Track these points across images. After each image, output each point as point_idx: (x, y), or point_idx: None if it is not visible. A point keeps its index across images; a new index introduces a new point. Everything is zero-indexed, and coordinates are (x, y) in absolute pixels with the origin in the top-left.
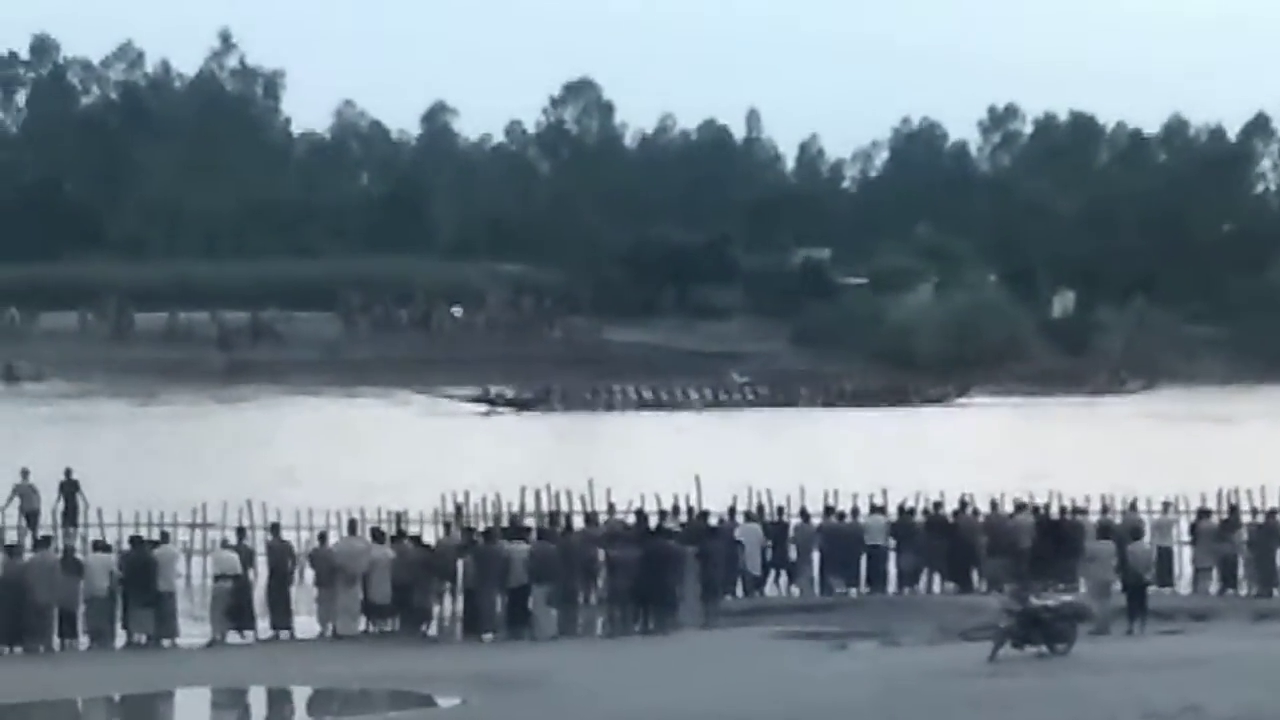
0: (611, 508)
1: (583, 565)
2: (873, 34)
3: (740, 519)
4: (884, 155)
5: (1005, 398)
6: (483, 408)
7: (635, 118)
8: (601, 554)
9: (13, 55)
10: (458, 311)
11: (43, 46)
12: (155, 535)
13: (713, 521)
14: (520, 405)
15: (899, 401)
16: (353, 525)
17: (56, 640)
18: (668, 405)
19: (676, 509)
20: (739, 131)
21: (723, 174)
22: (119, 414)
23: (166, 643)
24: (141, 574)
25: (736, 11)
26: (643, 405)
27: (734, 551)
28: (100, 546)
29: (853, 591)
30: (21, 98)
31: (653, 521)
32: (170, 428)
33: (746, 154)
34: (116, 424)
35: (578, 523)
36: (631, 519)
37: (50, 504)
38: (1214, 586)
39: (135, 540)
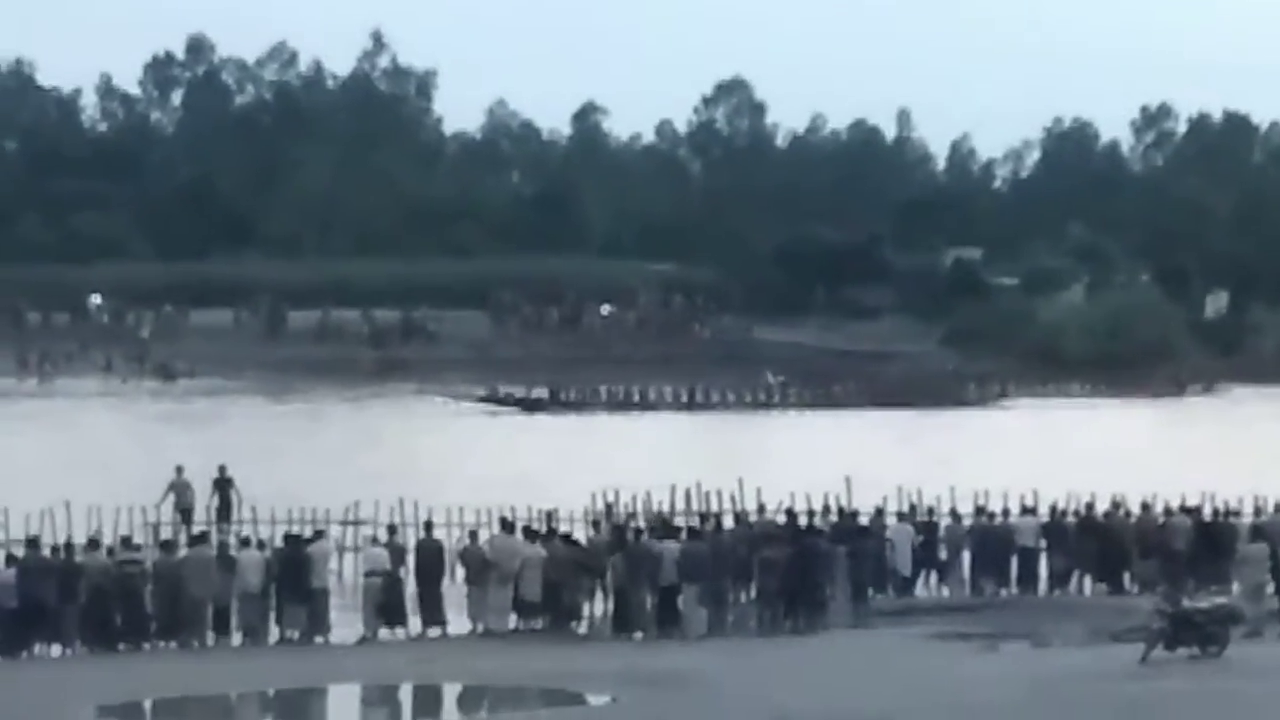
0: (762, 507)
1: (733, 565)
2: (1024, 33)
3: (891, 519)
4: (1035, 155)
5: (1049, 398)
6: (490, 407)
7: (786, 117)
8: (751, 553)
9: (169, 55)
10: (607, 310)
11: (198, 46)
12: (308, 532)
13: (863, 521)
14: (530, 405)
15: (953, 403)
16: (504, 523)
17: (210, 636)
18: (698, 406)
19: (827, 509)
20: (890, 131)
21: (874, 173)
22: (270, 411)
23: (319, 639)
24: (295, 570)
25: (887, 11)
26: (680, 406)
27: (884, 551)
28: (253, 543)
29: (1003, 592)
30: (177, 97)
31: (803, 521)
32: (321, 425)
33: (897, 153)
34: (267, 420)
35: (728, 522)
36: (782, 518)
37: (204, 500)
38: None
39: (289, 537)
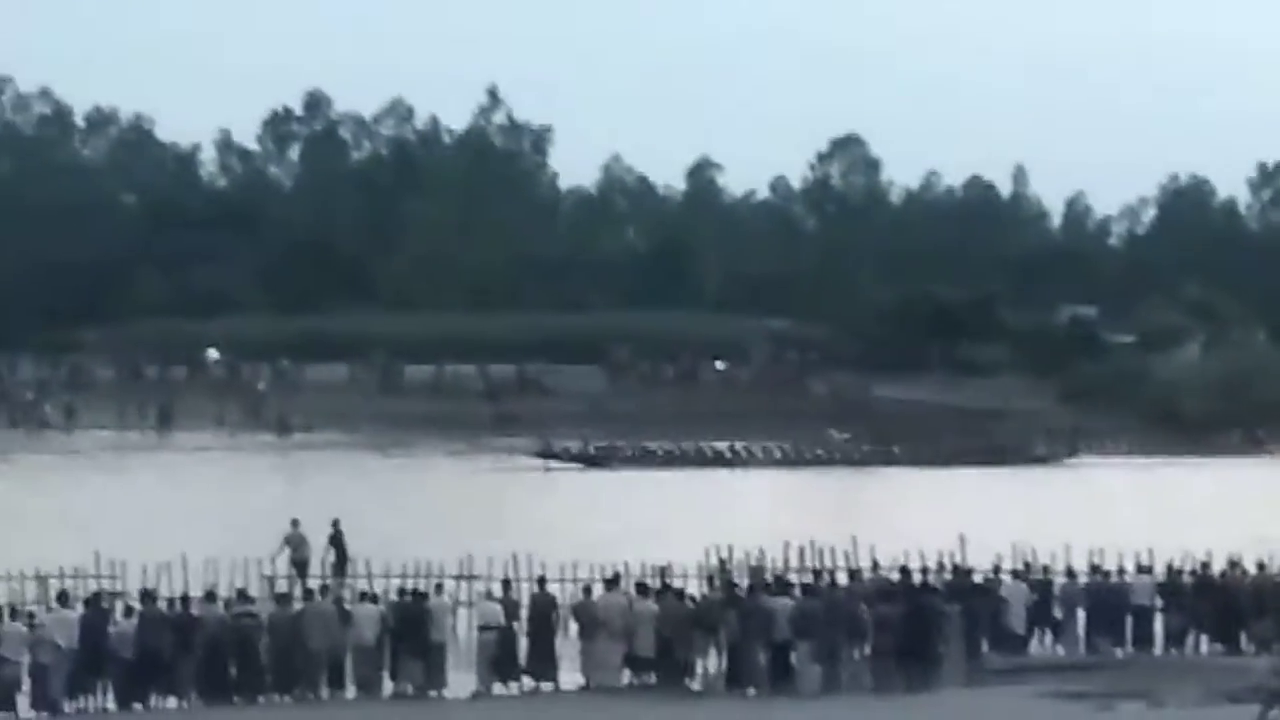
0: (875, 564)
1: (846, 621)
2: (1140, 90)
3: (1006, 576)
4: (1151, 212)
5: (1165, 456)
6: (546, 463)
7: (901, 174)
8: (865, 610)
9: (287, 111)
10: (721, 366)
11: (315, 102)
12: (423, 586)
13: (977, 578)
14: (587, 461)
15: (997, 462)
16: (616, 579)
17: (325, 689)
18: (742, 462)
19: (941, 565)
20: (1005, 188)
21: (989, 231)
22: (383, 465)
23: (434, 693)
24: (412, 624)
25: (1002, 68)
26: (722, 462)
27: (999, 609)
28: (367, 597)
29: (1119, 651)
30: (295, 152)
31: (917, 578)
32: (430, 478)
33: (1013, 210)
34: (382, 475)
35: (841, 579)
36: (896, 575)
37: (319, 554)
38: None
39: (405, 591)
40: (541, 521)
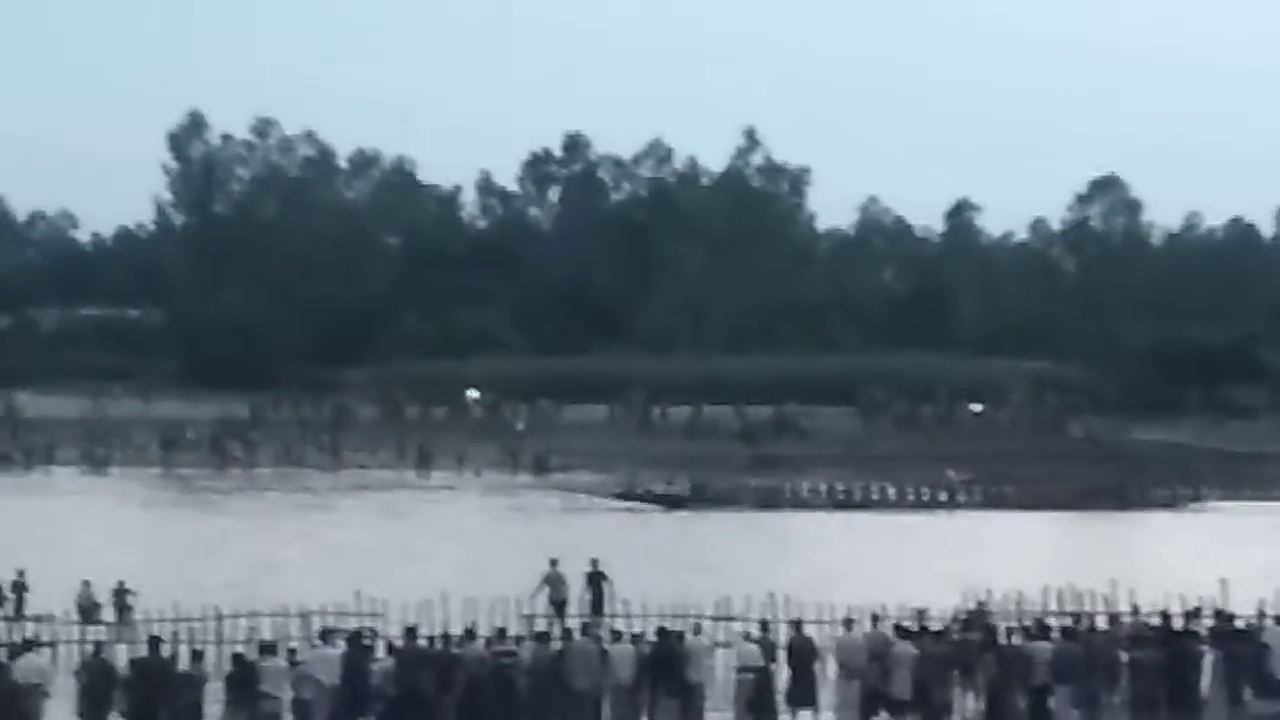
0: (1135, 609)
1: (1105, 666)
2: None
3: (1270, 621)
4: None
5: (1263, 503)
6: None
7: (1162, 215)
8: (1124, 655)
9: (547, 153)
10: (978, 408)
11: (575, 144)
12: (680, 626)
13: (1240, 624)
14: (671, 503)
15: (1119, 506)
16: (875, 619)
17: None
18: (871, 504)
19: (1199, 610)
20: (1267, 229)
21: (1250, 272)
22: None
23: None
24: (670, 664)
25: (1263, 107)
26: (839, 504)
27: (1261, 654)
28: (624, 637)
29: None
30: (554, 194)
31: (1177, 623)
32: (690, 522)
33: (1274, 252)
34: (640, 516)
35: (1100, 623)
36: (1155, 620)
37: (577, 593)
38: None
39: (663, 631)
40: (793, 563)
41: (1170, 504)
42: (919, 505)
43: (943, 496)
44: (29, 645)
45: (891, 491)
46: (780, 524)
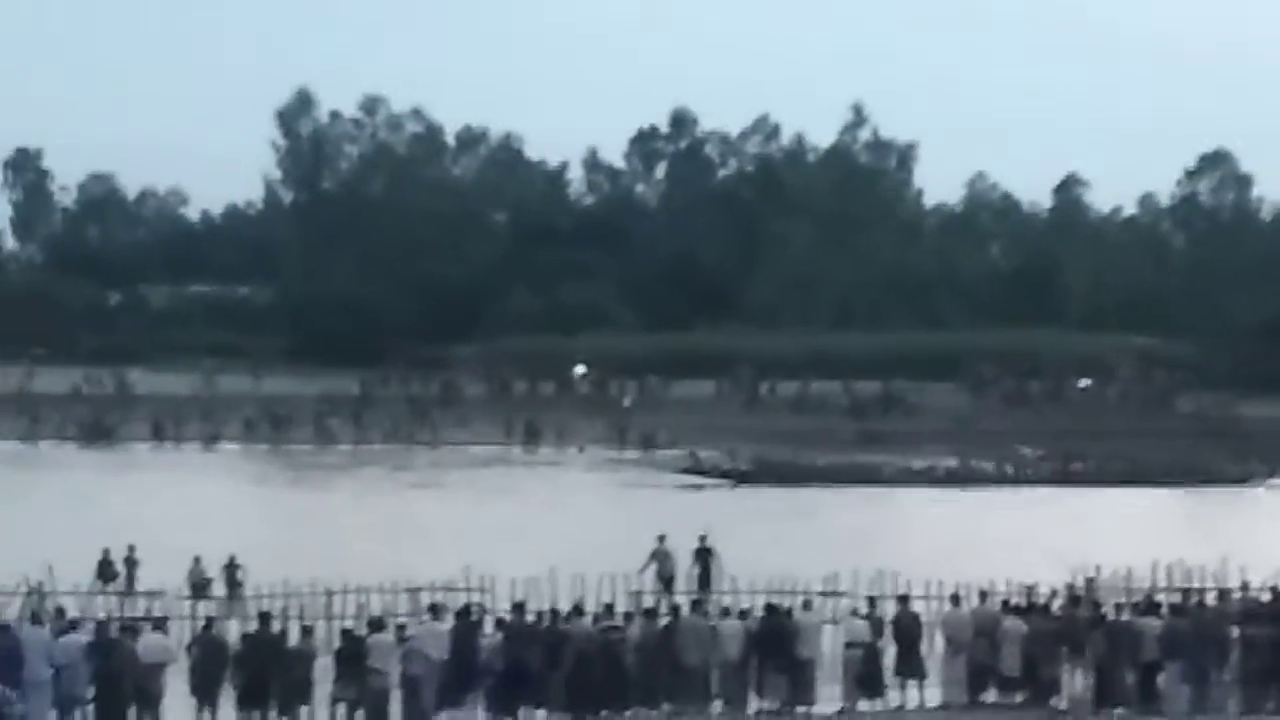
0: (1245, 585)
1: (1215, 643)
2: None
3: None
4: None
5: None
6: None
7: (1272, 190)
8: (1235, 631)
9: (654, 129)
10: (1085, 384)
11: (682, 120)
12: (789, 603)
13: None
14: (738, 477)
15: (1202, 480)
16: (983, 595)
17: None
18: (978, 480)
19: None
20: None
21: None
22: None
23: (800, 709)
24: (780, 641)
25: None
26: (942, 480)
27: None
28: (733, 613)
29: None
30: (661, 170)
31: None
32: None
33: None
34: (742, 491)
35: (1210, 599)
36: (1266, 596)
37: (685, 569)
38: None
39: (771, 607)
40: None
41: (1243, 480)
42: (1023, 480)
43: (1050, 471)
44: (158, 622)
45: (1002, 467)
46: (878, 500)
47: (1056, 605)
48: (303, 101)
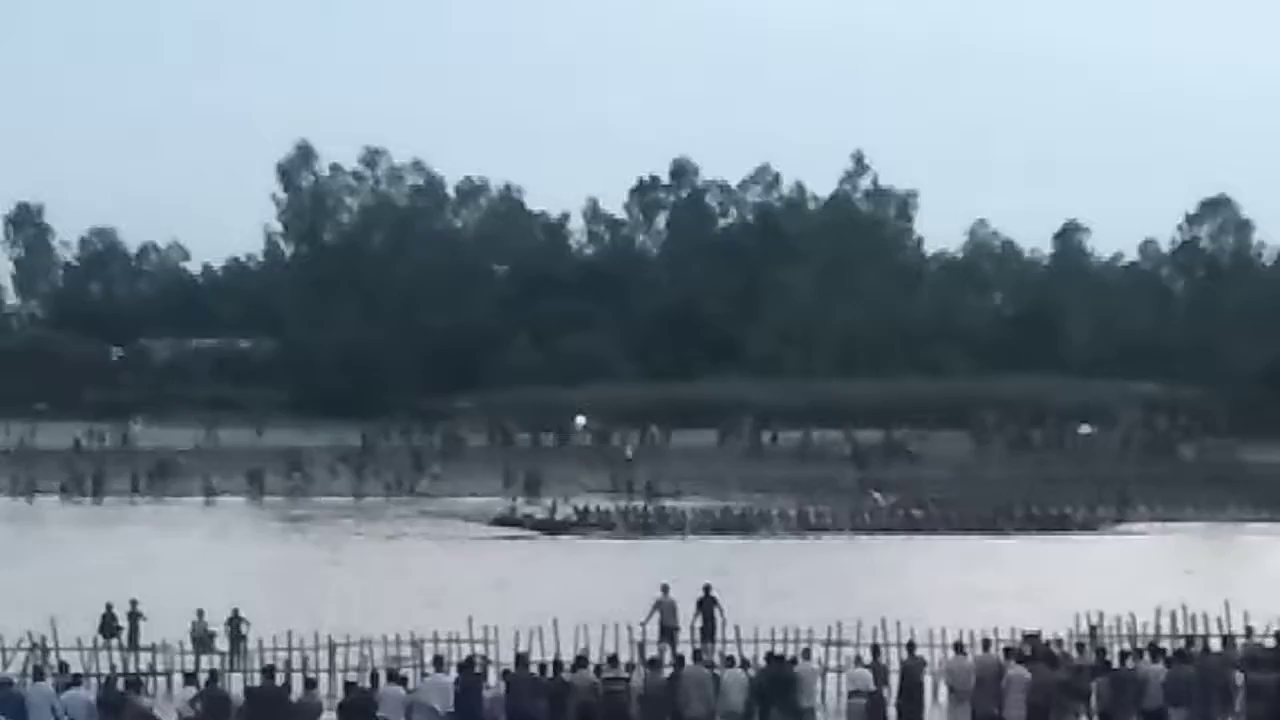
0: (1249, 630)
1: (1220, 688)
2: None
3: None
4: None
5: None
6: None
7: (1273, 235)
8: (1239, 677)
9: (654, 179)
10: (1088, 430)
11: (682, 170)
12: (791, 652)
13: None
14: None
15: (1057, 528)
16: (985, 644)
17: None
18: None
19: None
20: None
21: None
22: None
23: None
24: (781, 689)
25: None
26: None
27: None
28: (734, 662)
29: None
30: (662, 220)
31: None
32: (800, 549)
33: None
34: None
35: (1214, 644)
36: (1270, 641)
37: (688, 619)
38: None
39: (772, 657)
40: (901, 586)
41: (1091, 527)
42: (1033, 528)
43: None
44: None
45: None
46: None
47: (1060, 652)
48: (303, 154)
